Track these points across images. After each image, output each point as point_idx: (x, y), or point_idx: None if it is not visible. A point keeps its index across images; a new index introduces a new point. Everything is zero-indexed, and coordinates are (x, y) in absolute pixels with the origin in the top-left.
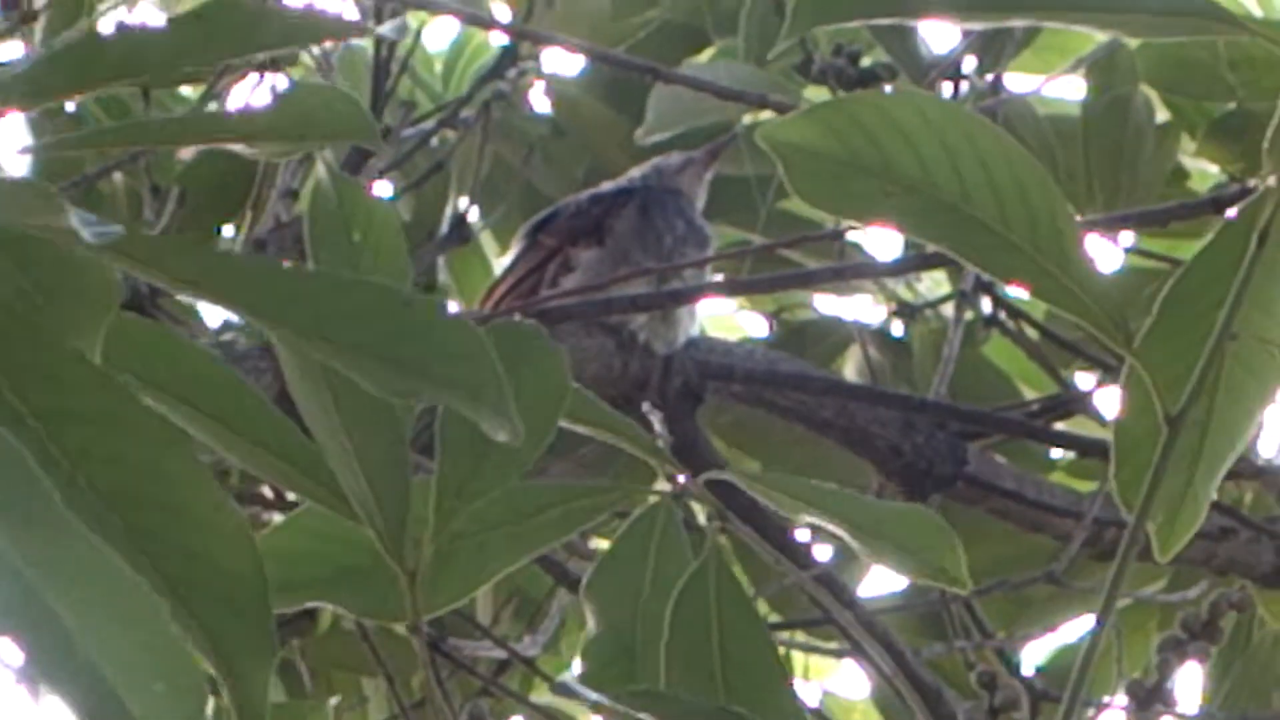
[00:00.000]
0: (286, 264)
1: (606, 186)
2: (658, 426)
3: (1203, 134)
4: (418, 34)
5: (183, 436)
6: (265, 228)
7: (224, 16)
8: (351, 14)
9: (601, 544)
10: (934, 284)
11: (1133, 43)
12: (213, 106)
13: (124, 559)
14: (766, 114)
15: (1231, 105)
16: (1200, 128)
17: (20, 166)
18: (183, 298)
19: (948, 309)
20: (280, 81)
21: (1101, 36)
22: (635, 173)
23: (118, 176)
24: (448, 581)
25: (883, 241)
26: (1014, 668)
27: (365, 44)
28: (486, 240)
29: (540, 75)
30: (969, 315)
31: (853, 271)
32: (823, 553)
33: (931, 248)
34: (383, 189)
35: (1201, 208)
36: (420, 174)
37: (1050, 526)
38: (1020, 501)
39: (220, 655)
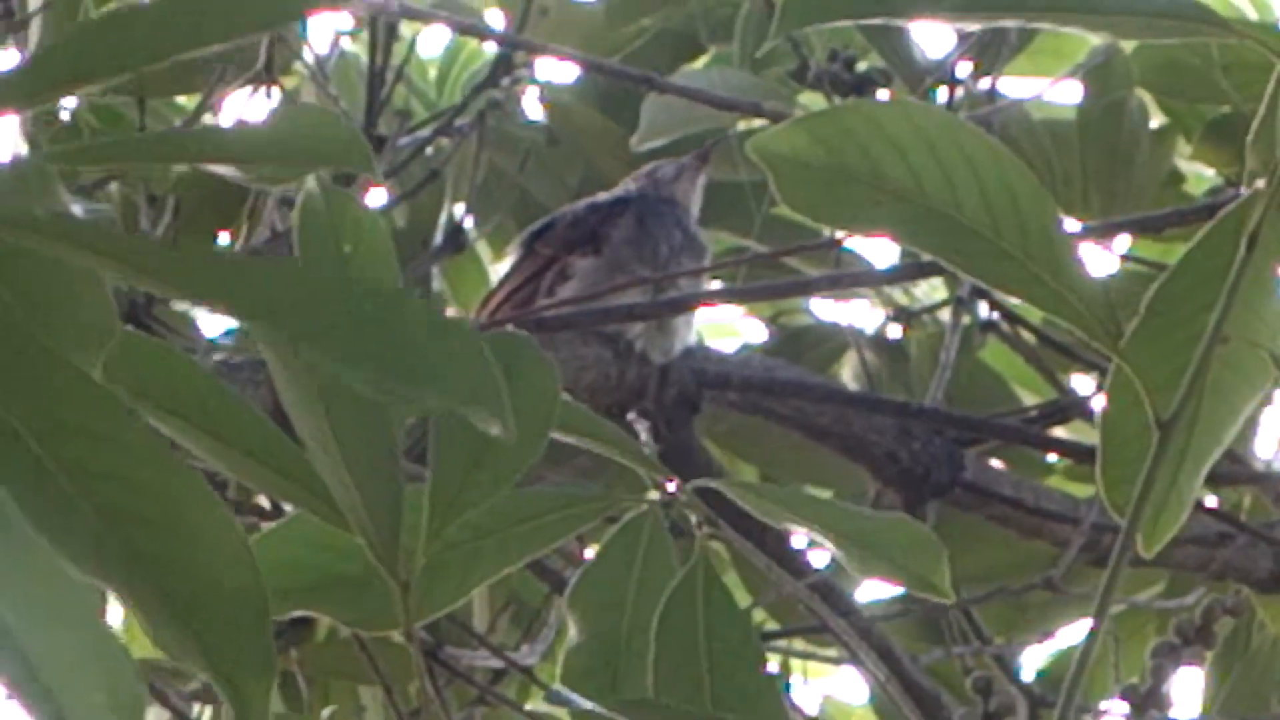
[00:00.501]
0: (277, 265)
1: (603, 196)
2: (644, 435)
3: (1198, 137)
4: (412, 42)
5: (180, 453)
6: (261, 237)
7: None
8: (344, 22)
9: None
10: (931, 289)
11: (1128, 47)
12: (208, 118)
13: (123, 576)
14: (761, 120)
15: (1226, 108)
16: (1195, 131)
17: None
18: (177, 305)
19: (945, 314)
20: (275, 93)
21: (1096, 40)
22: (629, 182)
23: (114, 186)
24: (440, 587)
25: (879, 248)
26: (1013, 673)
27: (359, 52)
28: (482, 248)
29: (534, 83)
30: (966, 320)
31: (850, 280)
32: (820, 559)
33: (926, 255)
34: (377, 197)
35: (1197, 214)
36: (415, 182)
37: (1048, 532)
38: (1018, 508)
39: (220, 672)
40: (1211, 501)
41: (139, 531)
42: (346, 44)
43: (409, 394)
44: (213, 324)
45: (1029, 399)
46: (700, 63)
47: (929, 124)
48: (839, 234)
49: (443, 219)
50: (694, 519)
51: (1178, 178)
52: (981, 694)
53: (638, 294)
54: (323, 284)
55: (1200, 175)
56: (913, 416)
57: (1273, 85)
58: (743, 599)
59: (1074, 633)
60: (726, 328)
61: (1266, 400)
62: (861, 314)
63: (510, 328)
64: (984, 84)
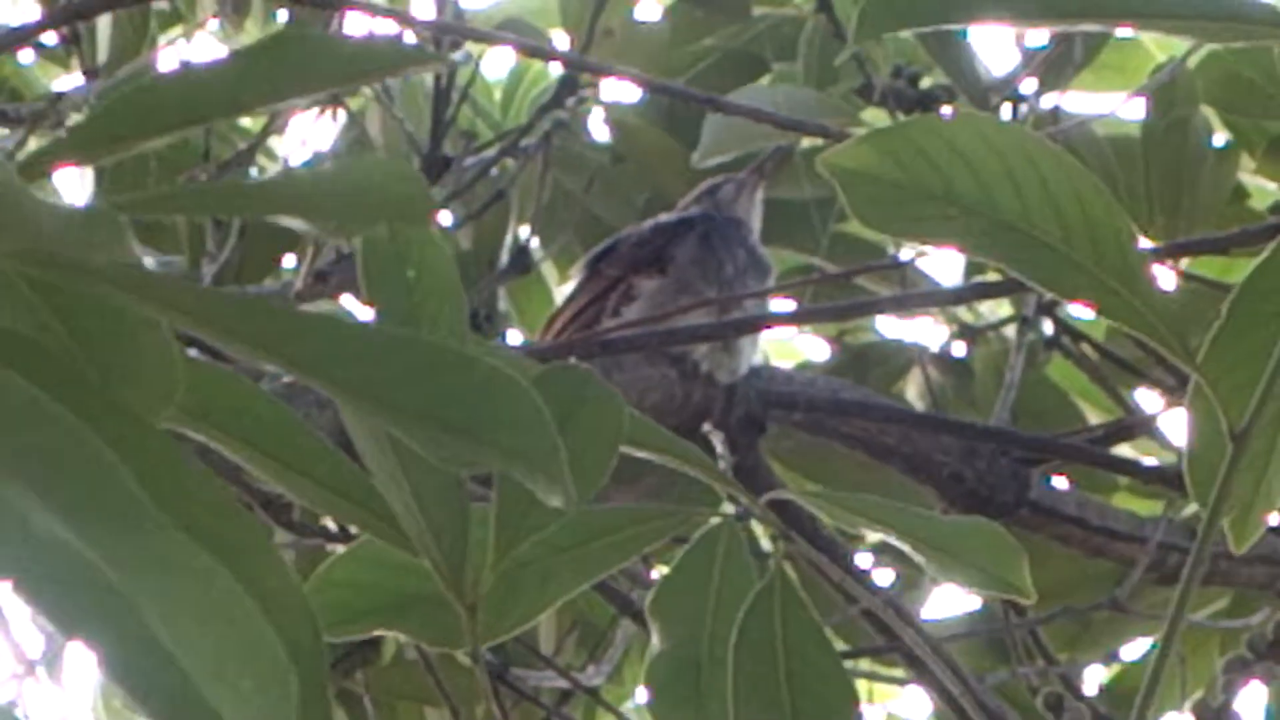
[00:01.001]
0: (342, 317)
1: (667, 217)
2: (719, 448)
3: (1261, 153)
4: (477, 63)
5: (243, 509)
6: (327, 259)
7: (287, 50)
8: (411, 41)
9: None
10: (995, 306)
11: (1192, 63)
12: (273, 140)
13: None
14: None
15: None
16: (1259, 146)
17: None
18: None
19: (1009, 330)
20: (340, 115)
21: (1161, 56)
22: (691, 199)
23: None
24: (512, 607)
25: (945, 265)
26: (1079, 692)
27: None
28: (547, 269)
29: (599, 103)
30: (1031, 337)
31: (917, 299)
32: (885, 579)
33: (993, 271)
34: (443, 219)
35: (1263, 234)
36: (481, 203)
37: (1113, 551)
38: (1083, 527)
39: None
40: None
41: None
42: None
43: (466, 455)
44: None
45: (1093, 415)
46: (764, 81)
47: (999, 137)
48: (906, 254)
49: (508, 240)
50: (770, 533)
51: (1242, 193)
52: (1053, 710)
53: (703, 315)
54: (382, 339)
55: (1264, 190)
56: (978, 437)
57: None
58: None
59: (1136, 650)
60: (790, 346)
61: None
62: (926, 331)
63: (574, 360)
64: (1048, 100)
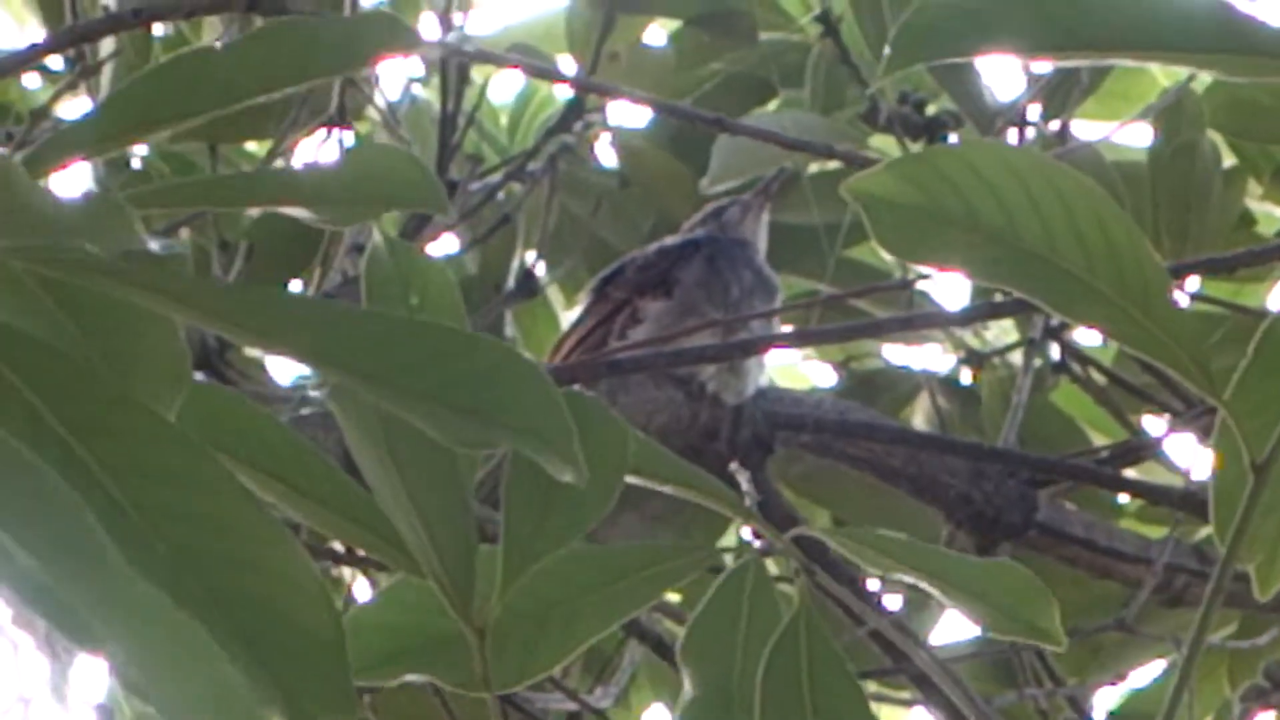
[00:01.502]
0: (346, 308)
1: (673, 239)
2: (744, 485)
3: (1269, 178)
4: (483, 88)
5: (258, 498)
6: (333, 283)
7: (279, 36)
8: (416, 68)
9: (672, 597)
10: (1001, 332)
11: (1199, 88)
12: (279, 163)
13: (200, 616)
14: (833, 162)
15: None
16: (1267, 172)
17: None
18: (249, 350)
19: (1016, 356)
20: (347, 138)
21: (1167, 83)
22: (696, 222)
23: (185, 232)
24: (541, 648)
25: (951, 290)
26: (1087, 715)
27: (431, 97)
28: (554, 293)
29: (606, 128)
30: (1038, 362)
31: (921, 320)
32: (893, 603)
33: (1000, 296)
34: (449, 243)
35: (1270, 254)
36: (487, 227)
37: (1120, 573)
38: (1090, 549)
39: (300, 713)
40: None
41: (217, 570)
42: (418, 90)
43: (480, 437)
44: (285, 370)
45: (1100, 440)
46: (771, 106)
47: (1022, 165)
48: (911, 276)
49: (514, 264)
50: (793, 566)
51: (1249, 219)
52: None
53: (709, 336)
54: (392, 325)
55: (1272, 215)
56: (985, 458)
57: None
58: None
59: (1146, 673)
60: (797, 373)
61: None
62: (933, 358)
63: (579, 387)
64: (1054, 126)
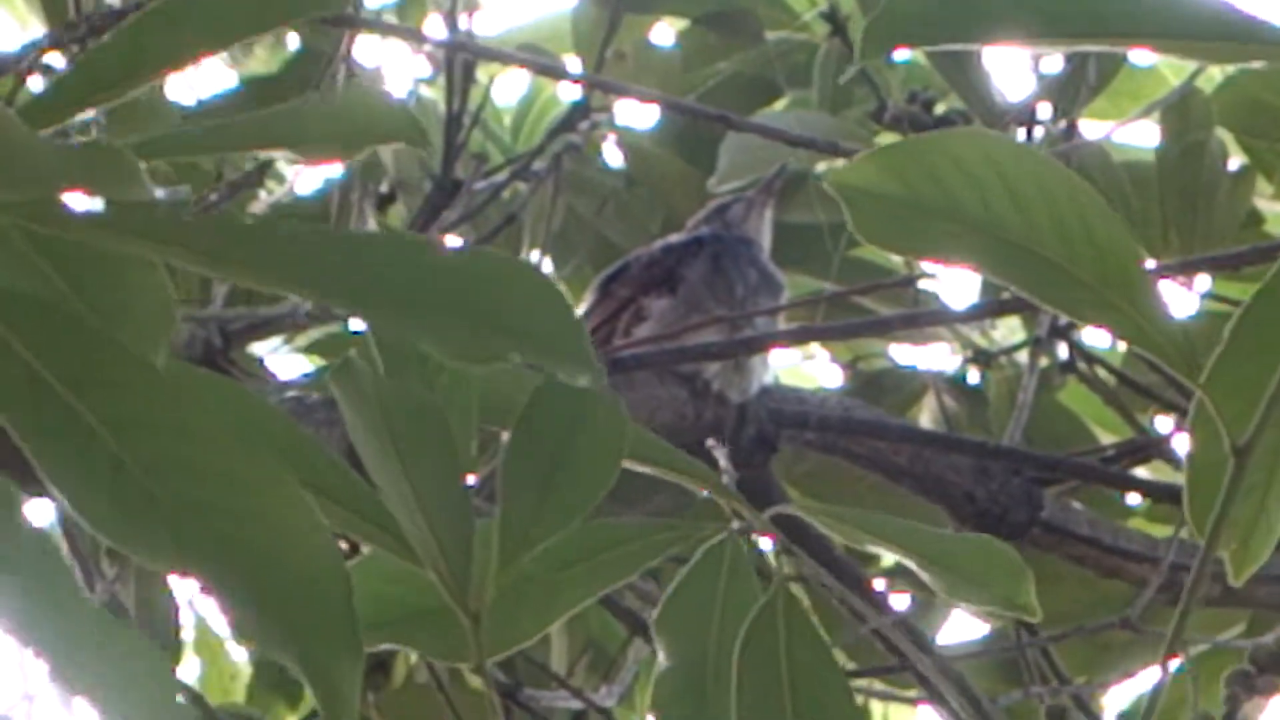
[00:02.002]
0: (346, 235)
1: (677, 237)
2: (723, 463)
3: (1279, 178)
4: (488, 88)
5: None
6: None
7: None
8: (423, 67)
9: None
10: (1009, 331)
11: (1207, 87)
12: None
13: (207, 567)
14: (841, 161)
15: None
16: (1277, 171)
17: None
18: (250, 347)
19: (1023, 356)
20: None
21: (1176, 81)
22: (700, 219)
23: None
24: (518, 621)
25: (957, 288)
26: (1091, 713)
27: (437, 97)
28: None
29: (612, 128)
30: (1045, 361)
31: (926, 318)
32: (900, 602)
33: (1007, 294)
34: (454, 242)
35: (1275, 251)
36: (492, 227)
37: (1126, 572)
38: (1096, 547)
39: (306, 658)
40: None
41: (220, 521)
42: (424, 90)
43: (486, 349)
44: (286, 369)
45: (1108, 440)
46: (778, 106)
47: (1004, 155)
48: (915, 273)
49: None
50: (772, 548)
51: (1257, 218)
52: None
53: (714, 333)
54: (387, 243)
55: None
56: (990, 456)
57: None
58: None
59: (1155, 674)
60: (803, 373)
61: None
62: (940, 358)
63: None
64: (1063, 126)
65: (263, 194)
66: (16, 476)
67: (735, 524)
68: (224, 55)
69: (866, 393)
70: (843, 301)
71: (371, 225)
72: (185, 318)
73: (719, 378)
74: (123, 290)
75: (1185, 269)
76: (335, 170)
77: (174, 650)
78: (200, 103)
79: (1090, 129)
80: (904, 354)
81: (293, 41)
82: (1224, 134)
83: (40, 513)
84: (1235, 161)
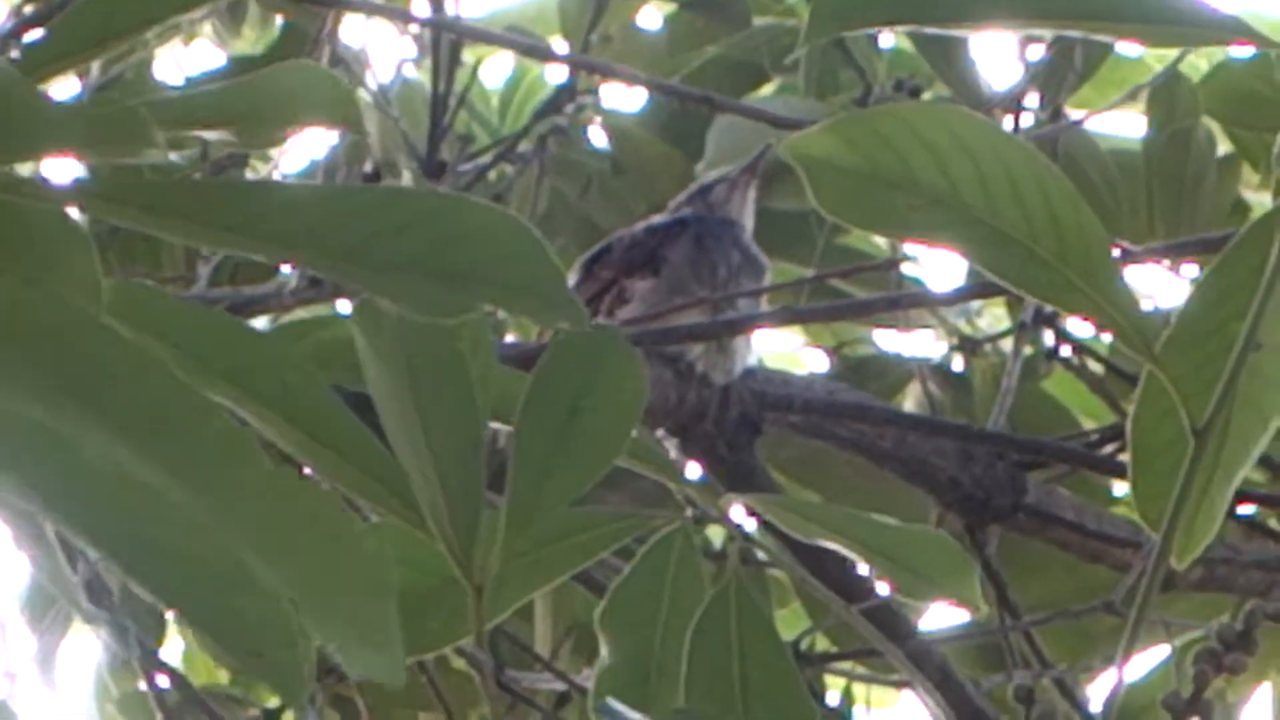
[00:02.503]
0: (318, 187)
1: (660, 219)
2: (673, 452)
3: (1265, 167)
4: (474, 70)
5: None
6: None
7: None
8: (408, 47)
9: None
10: (995, 320)
11: (1194, 75)
12: (272, 151)
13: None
14: None
15: None
16: (1263, 160)
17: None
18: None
19: (1008, 343)
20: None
21: (1159, 67)
22: (683, 201)
23: None
24: (499, 600)
25: (941, 274)
26: (1074, 697)
27: (423, 79)
28: None
29: (598, 111)
30: (1030, 349)
31: (909, 300)
32: (884, 586)
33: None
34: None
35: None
36: None
37: (1110, 557)
38: (1080, 532)
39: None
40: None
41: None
42: (410, 71)
43: (468, 300)
44: None
45: (1093, 428)
46: (765, 91)
47: (964, 129)
48: (899, 257)
49: None
50: (730, 536)
51: (1244, 208)
52: (1024, 703)
53: (698, 315)
54: (365, 196)
55: (1267, 205)
56: (974, 439)
57: None
58: (805, 624)
59: (1143, 661)
60: (790, 358)
61: None
62: (925, 345)
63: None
64: (1049, 114)
65: (248, 174)
66: None
67: (689, 512)
68: (210, 34)
69: (851, 379)
70: (827, 288)
71: None
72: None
73: (702, 359)
74: (53, 260)
75: (1167, 253)
76: (320, 150)
77: (158, 631)
78: (188, 80)
79: (1077, 118)
80: (889, 341)
81: (280, 22)
82: (1211, 123)
83: None
84: (1222, 150)
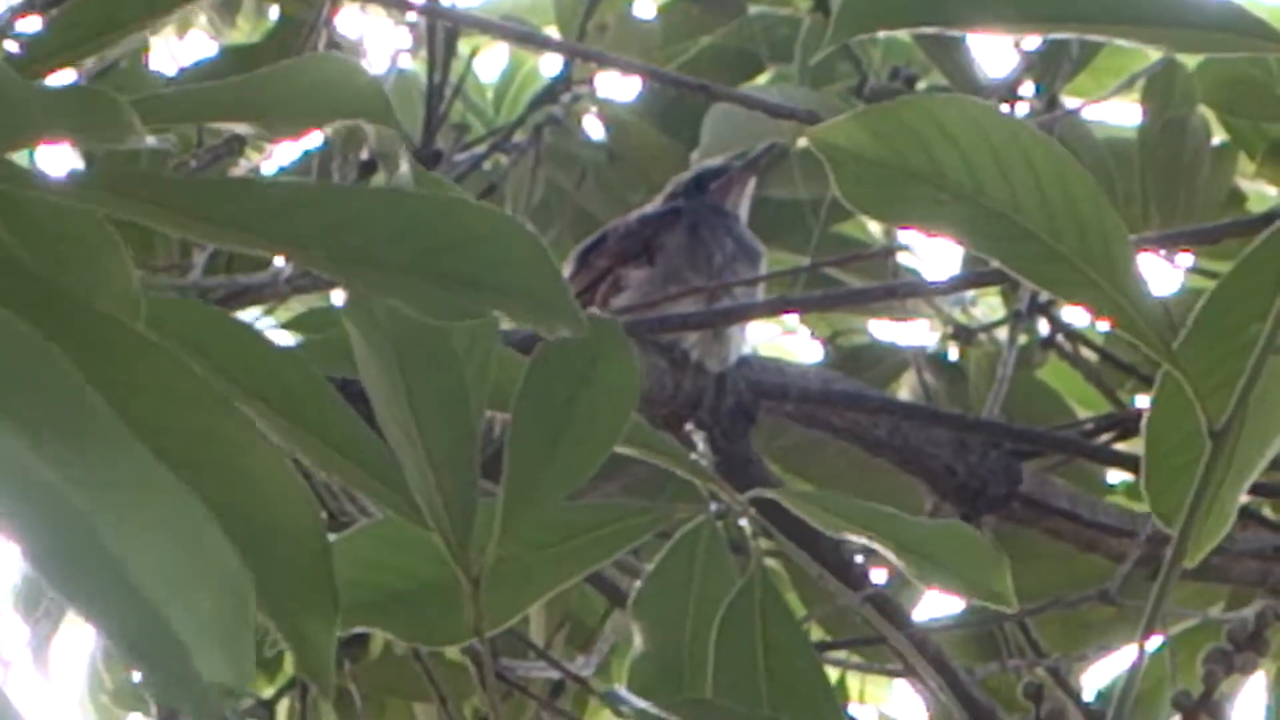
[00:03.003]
0: (321, 186)
1: (654, 208)
2: (700, 445)
3: (1261, 156)
4: (470, 60)
5: (230, 402)
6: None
7: None
8: (404, 37)
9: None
10: (990, 309)
11: (1190, 64)
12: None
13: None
14: None
15: None
16: (1259, 149)
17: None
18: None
19: (1004, 333)
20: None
21: (1156, 55)
22: (678, 188)
23: None
24: (498, 601)
25: (936, 263)
26: (1069, 687)
27: (418, 69)
28: None
29: (593, 100)
30: (1025, 338)
31: (905, 289)
32: (880, 576)
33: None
34: None
35: (1255, 225)
36: (472, 198)
37: (1105, 546)
38: (1075, 521)
39: (282, 613)
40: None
41: (194, 478)
42: (406, 61)
43: (469, 305)
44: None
45: (1088, 417)
46: (760, 79)
47: (990, 123)
48: (896, 245)
49: None
50: (749, 529)
51: (1239, 197)
52: (1033, 700)
53: (693, 304)
54: (369, 198)
55: (1264, 194)
56: (969, 429)
57: None
58: (800, 613)
59: (1134, 650)
60: (784, 348)
61: None
62: (920, 334)
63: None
64: (1045, 102)
65: (242, 163)
66: None
67: (713, 506)
68: (205, 24)
69: (846, 368)
70: (823, 277)
71: None
72: (164, 286)
73: (698, 348)
74: (89, 273)
75: (1164, 242)
76: (315, 140)
77: None
78: (182, 71)
79: (1073, 106)
80: (884, 330)
81: (274, 12)
82: (1207, 112)
83: None
84: (1217, 138)
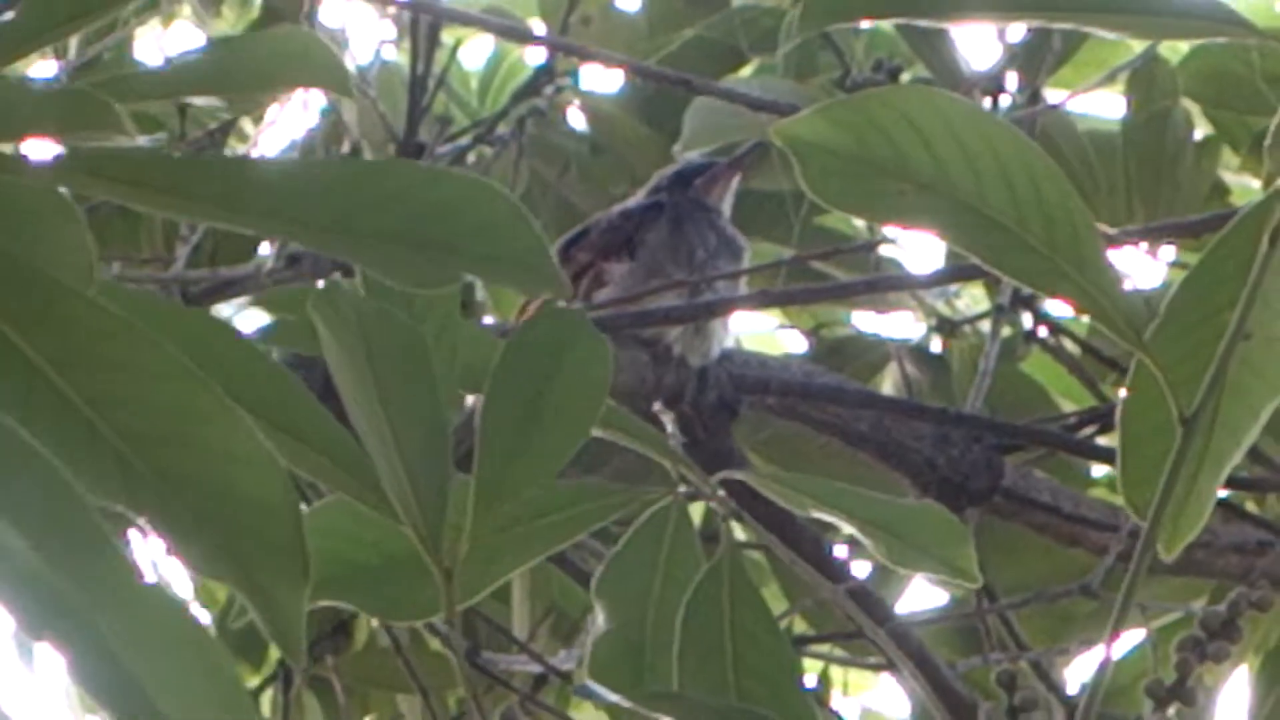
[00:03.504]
0: (298, 160)
1: (636, 202)
2: (670, 427)
3: (1245, 149)
4: (454, 51)
5: (205, 377)
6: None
7: None
8: (387, 28)
9: None
10: (973, 301)
11: (1173, 58)
12: (248, 125)
13: (152, 499)
14: None
15: (1277, 120)
16: (1243, 143)
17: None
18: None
19: (987, 325)
20: (317, 99)
21: (1139, 48)
22: (661, 182)
23: None
24: (465, 579)
25: (920, 256)
26: (1050, 680)
27: (402, 61)
28: None
29: (577, 93)
30: (1008, 330)
31: (887, 283)
32: (861, 569)
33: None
34: None
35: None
36: None
37: (1087, 540)
38: (1057, 515)
39: (253, 582)
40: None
41: (165, 452)
42: (389, 52)
43: (450, 270)
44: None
45: (1071, 410)
46: (743, 72)
47: (955, 114)
48: (878, 239)
49: None
50: (719, 511)
51: (1223, 190)
52: (1006, 689)
53: (675, 298)
54: (346, 169)
55: (1247, 188)
56: (951, 422)
57: None
58: (782, 606)
59: (1119, 645)
60: (768, 339)
61: None
62: (903, 326)
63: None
64: (1028, 95)
65: (226, 153)
66: None
67: (681, 488)
68: (189, 15)
69: (829, 360)
70: (805, 269)
71: None
72: (147, 279)
73: (679, 342)
74: (45, 245)
75: (1145, 235)
76: (298, 130)
77: None
78: (168, 61)
79: (1056, 99)
80: (867, 322)
81: (258, 2)
82: (1190, 105)
83: None
84: (1201, 132)
